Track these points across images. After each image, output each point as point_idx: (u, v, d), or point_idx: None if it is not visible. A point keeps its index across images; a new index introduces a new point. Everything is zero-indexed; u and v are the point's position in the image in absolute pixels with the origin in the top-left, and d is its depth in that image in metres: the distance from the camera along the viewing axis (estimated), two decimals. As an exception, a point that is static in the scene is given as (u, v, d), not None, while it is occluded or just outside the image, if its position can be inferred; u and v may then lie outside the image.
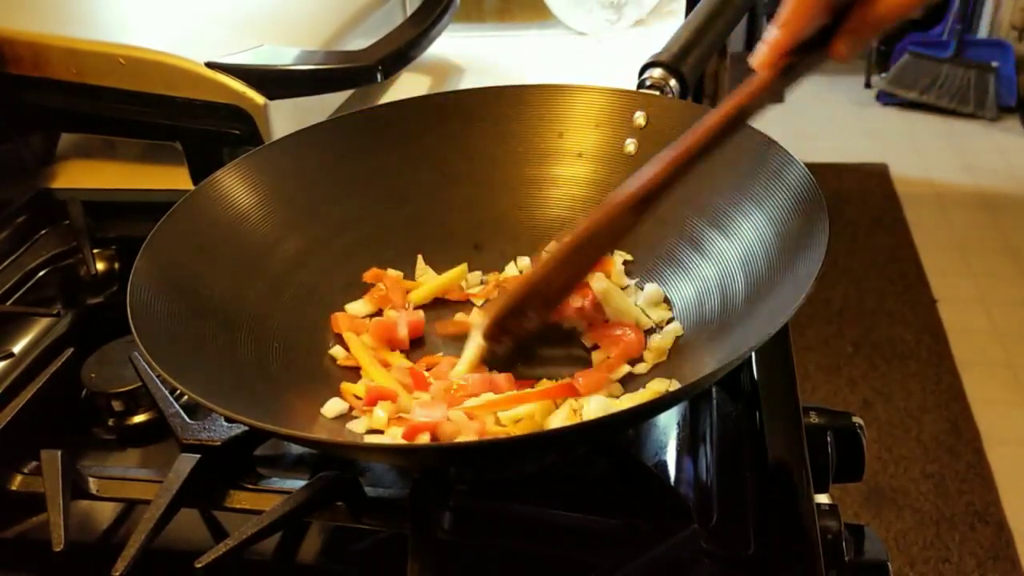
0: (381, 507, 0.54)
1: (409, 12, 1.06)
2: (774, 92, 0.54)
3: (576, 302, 0.64)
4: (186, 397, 0.59)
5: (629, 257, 0.68)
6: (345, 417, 0.59)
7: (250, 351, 0.59)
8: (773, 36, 0.52)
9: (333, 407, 0.59)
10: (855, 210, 2.74)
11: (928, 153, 3.05)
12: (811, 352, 2.20)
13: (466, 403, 0.57)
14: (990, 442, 1.93)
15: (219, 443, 0.56)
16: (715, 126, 0.55)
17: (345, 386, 0.60)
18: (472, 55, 1.13)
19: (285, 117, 0.82)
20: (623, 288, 0.66)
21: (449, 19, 1.00)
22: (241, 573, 0.51)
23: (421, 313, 0.66)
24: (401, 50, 0.90)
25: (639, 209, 0.56)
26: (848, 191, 2.84)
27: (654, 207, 0.57)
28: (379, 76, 0.85)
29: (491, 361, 0.61)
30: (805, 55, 0.52)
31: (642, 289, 0.65)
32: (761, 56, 0.53)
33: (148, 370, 0.61)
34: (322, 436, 0.55)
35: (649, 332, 0.63)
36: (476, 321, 0.63)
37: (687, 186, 0.65)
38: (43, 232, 0.82)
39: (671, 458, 0.57)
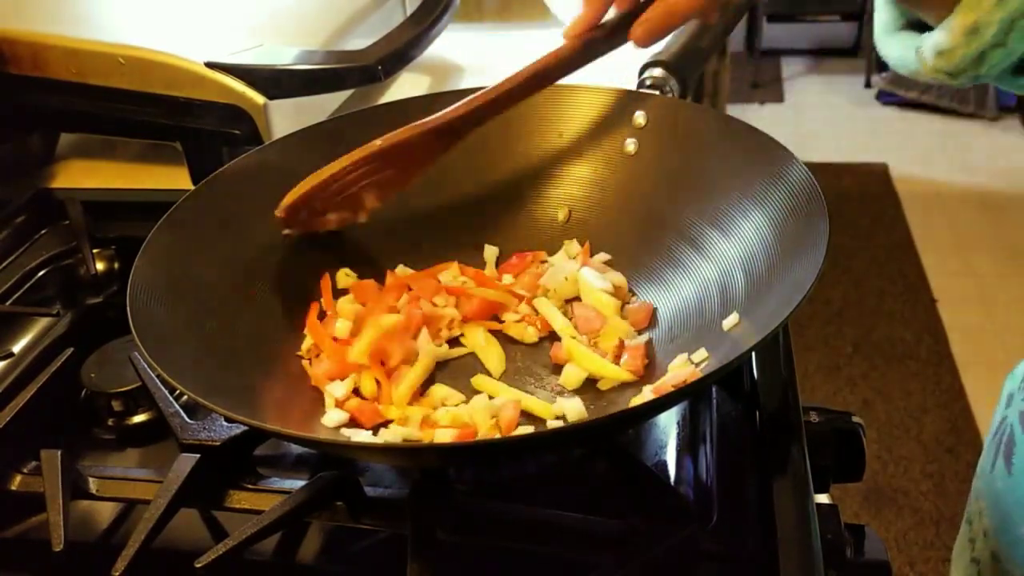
0: (381, 507, 0.54)
1: (409, 12, 1.06)
2: (576, 60, 0.62)
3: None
4: (186, 397, 0.59)
5: (608, 257, 0.68)
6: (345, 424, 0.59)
7: (250, 351, 0.59)
8: (579, 12, 0.60)
9: (332, 418, 0.58)
10: (855, 210, 2.74)
11: (928, 153, 3.05)
12: (811, 352, 2.20)
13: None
14: (990, 442, 1.93)
15: (219, 443, 0.56)
16: (521, 80, 0.62)
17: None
18: (472, 55, 1.13)
19: (285, 117, 0.82)
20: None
21: (449, 19, 1.00)
22: (241, 573, 0.51)
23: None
24: (401, 50, 0.90)
25: (444, 137, 0.64)
26: (848, 191, 2.84)
27: (457, 139, 0.64)
28: (379, 76, 0.85)
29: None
30: (607, 33, 0.60)
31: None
32: (568, 28, 0.61)
33: (148, 370, 0.61)
34: (322, 436, 0.55)
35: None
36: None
37: (687, 186, 0.65)
38: (43, 232, 0.82)
39: (671, 458, 0.57)
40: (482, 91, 0.63)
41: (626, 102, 0.70)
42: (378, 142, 0.63)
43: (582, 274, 0.65)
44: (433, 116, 0.63)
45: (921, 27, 0.55)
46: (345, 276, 0.68)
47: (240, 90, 0.81)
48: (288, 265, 0.66)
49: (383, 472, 0.57)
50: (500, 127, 0.72)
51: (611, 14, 0.60)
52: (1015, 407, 0.68)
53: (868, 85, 3.44)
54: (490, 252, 0.70)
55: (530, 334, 0.64)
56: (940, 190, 2.85)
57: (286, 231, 0.65)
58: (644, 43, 0.59)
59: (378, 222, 0.70)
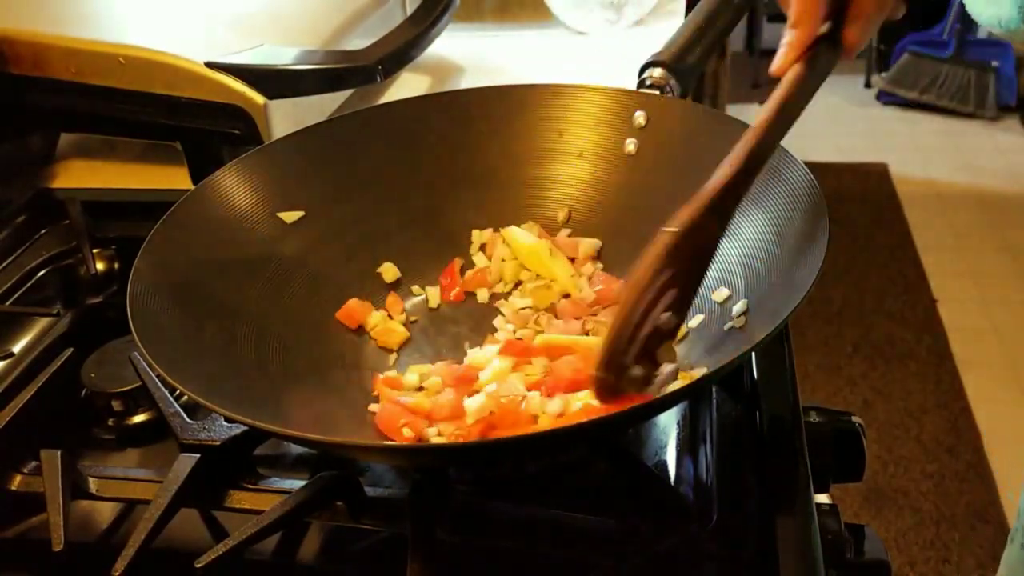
0: (381, 507, 0.54)
1: (409, 12, 1.05)
2: (809, 87, 0.56)
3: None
4: (186, 397, 0.59)
5: (598, 242, 0.68)
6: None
7: (250, 351, 0.59)
8: (790, 38, 0.54)
9: None
10: (855, 210, 2.74)
11: (928, 153, 3.05)
12: (811, 352, 2.20)
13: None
14: (990, 442, 1.93)
15: (219, 443, 0.56)
16: (766, 125, 0.55)
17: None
18: (472, 55, 1.13)
19: (285, 117, 0.82)
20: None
21: (449, 19, 0.99)
22: (241, 573, 0.51)
23: None
24: (401, 50, 0.90)
25: (722, 213, 0.54)
26: (848, 191, 2.84)
27: (732, 213, 0.54)
28: (379, 76, 0.85)
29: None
30: (822, 48, 0.55)
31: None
32: (782, 59, 0.55)
33: (148, 370, 0.61)
34: (322, 436, 0.55)
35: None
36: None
37: (687, 186, 0.65)
38: (43, 232, 0.82)
39: (671, 458, 0.57)
40: (737, 150, 0.54)
41: (626, 102, 0.70)
42: (666, 229, 0.52)
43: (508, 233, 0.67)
44: (704, 193, 0.53)
45: None
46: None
47: (240, 90, 0.81)
48: (288, 265, 0.66)
49: (383, 472, 0.57)
50: (500, 128, 0.72)
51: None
52: None
53: (868, 85, 3.44)
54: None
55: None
56: (940, 190, 2.84)
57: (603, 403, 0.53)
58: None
59: (377, 223, 0.70)
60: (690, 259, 0.53)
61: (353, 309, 0.66)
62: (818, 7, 0.54)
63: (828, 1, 0.54)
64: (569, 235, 0.70)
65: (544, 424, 0.54)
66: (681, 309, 0.53)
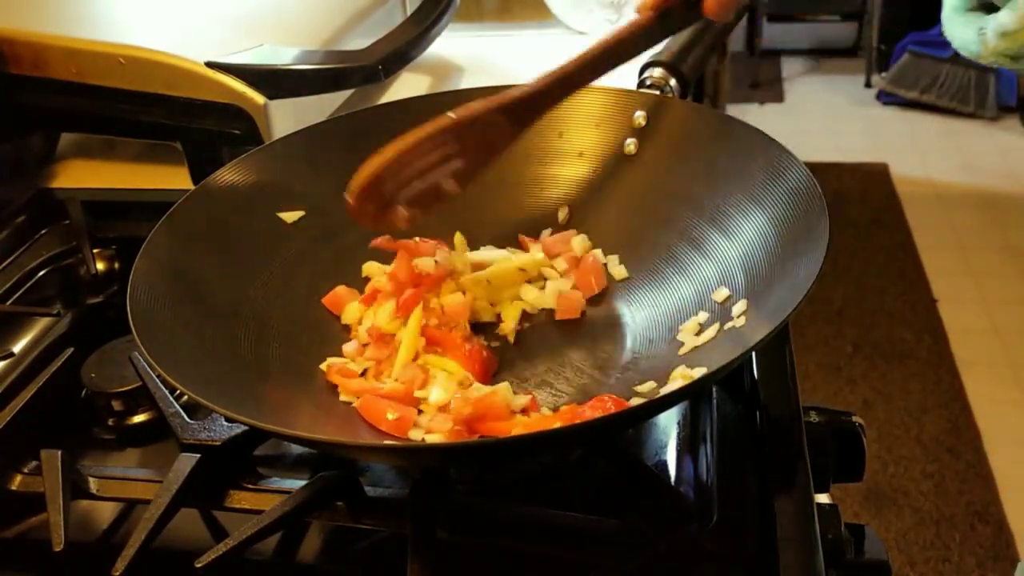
0: (381, 507, 0.54)
1: (409, 12, 1.06)
2: (651, 35, 0.61)
3: None
4: (186, 397, 0.59)
5: (624, 272, 0.68)
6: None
7: (250, 351, 0.59)
8: None
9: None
10: (855, 210, 2.74)
11: (928, 153, 3.05)
12: (811, 352, 2.20)
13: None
14: (990, 442, 1.93)
15: (219, 443, 0.56)
16: (595, 54, 0.60)
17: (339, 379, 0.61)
18: (472, 55, 1.13)
19: (285, 117, 0.82)
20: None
21: (449, 19, 1.00)
22: (241, 573, 0.51)
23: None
24: (401, 50, 0.90)
25: (515, 116, 0.61)
26: (848, 191, 2.84)
27: (528, 121, 0.61)
28: (379, 76, 0.85)
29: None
30: (681, 7, 0.60)
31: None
32: (643, 1, 0.60)
33: (148, 370, 0.61)
34: (322, 436, 0.55)
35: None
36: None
37: (687, 186, 0.66)
38: (43, 232, 0.82)
39: (671, 458, 0.57)
40: (555, 68, 0.61)
41: (626, 102, 0.70)
42: (451, 114, 0.59)
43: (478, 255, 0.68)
44: (503, 93, 0.60)
45: (991, 10, 0.55)
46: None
47: (240, 90, 0.81)
48: (288, 265, 0.66)
49: (383, 472, 0.57)
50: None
51: None
52: None
53: (868, 85, 3.44)
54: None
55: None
56: (940, 190, 2.84)
57: (359, 223, 0.61)
58: (719, 18, 0.58)
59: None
60: (475, 143, 0.61)
61: (340, 296, 0.66)
62: None
63: None
64: (551, 234, 0.70)
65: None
66: (463, 180, 0.62)
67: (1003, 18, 0.50)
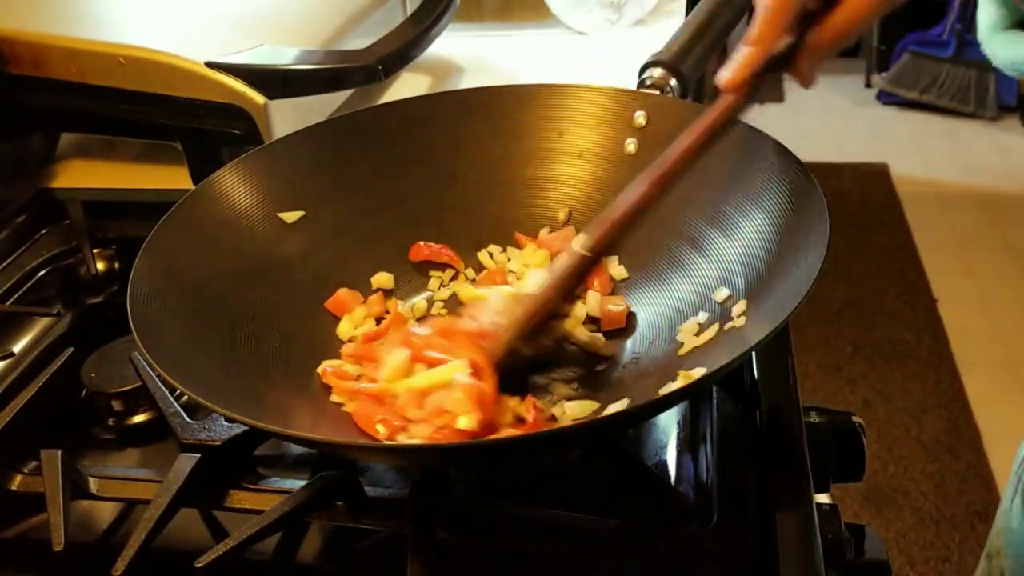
0: (381, 507, 0.54)
1: (409, 12, 1.06)
2: (741, 111, 0.57)
3: None
4: (186, 397, 0.59)
5: (623, 272, 0.68)
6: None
7: (250, 351, 0.59)
8: (745, 53, 0.54)
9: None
10: (855, 210, 2.74)
11: (928, 153, 3.05)
12: (811, 352, 2.20)
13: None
14: (990, 442, 1.93)
15: (219, 443, 0.56)
16: (691, 148, 0.57)
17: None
18: (472, 55, 1.13)
19: (285, 117, 0.82)
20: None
21: (449, 19, 0.99)
22: (241, 573, 0.51)
23: None
24: (401, 50, 0.90)
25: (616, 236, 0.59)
26: (848, 191, 2.84)
27: (630, 231, 0.59)
28: (379, 76, 0.85)
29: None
30: (769, 74, 0.55)
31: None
32: (733, 73, 0.55)
33: (148, 370, 0.61)
34: (322, 436, 0.55)
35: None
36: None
37: (687, 186, 0.65)
38: (43, 232, 0.82)
39: (671, 458, 0.57)
40: (647, 171, 0.58)
41: (626, 102, 0.70)
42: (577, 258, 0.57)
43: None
44: (619, 203, 0.57)
45: None
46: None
47: (240, 90, 0.81)
48: (288, 265, 0.66)
49: (383, 472, 0.57)
50: (500, 128, 0.72)
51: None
52: None
53: (868, 85, 3.44)
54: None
55: None
56: (940, 190, 2.84)
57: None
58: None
59: (377, 223, 0.70)
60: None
61: (342, 299, 0.66)
62: (781, 29, 0.53)
63: (791, 27, 0.53)
64: (549, 232, 0.70)
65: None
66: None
67: None
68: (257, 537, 0.49)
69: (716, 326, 0.58)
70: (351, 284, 0.67)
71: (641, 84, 0.76)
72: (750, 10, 0.55)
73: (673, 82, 0.76)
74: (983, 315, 2.31)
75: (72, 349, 0.65)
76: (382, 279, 0.68)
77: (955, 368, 2.13)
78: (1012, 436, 1.94)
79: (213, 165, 0.68)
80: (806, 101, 3.40)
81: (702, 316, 0.60)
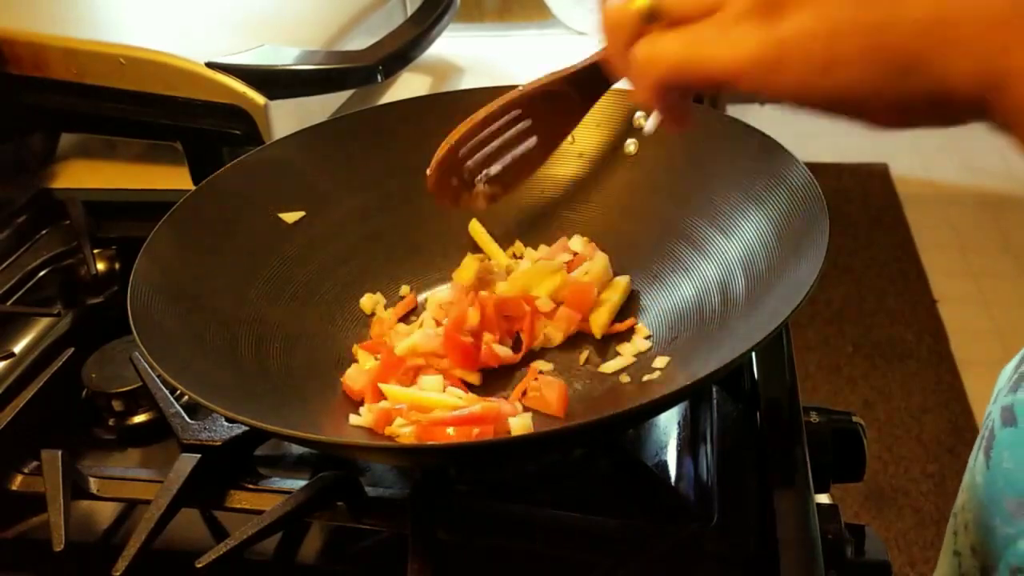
0: (381, 507, 0.54)
1: (409, 12, 1.06)
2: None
3: None
4: (186, 397, 0.59)
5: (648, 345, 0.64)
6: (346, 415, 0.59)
7: (250, 351, 0.59)
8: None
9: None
10: (855, 210, 2.74)
11: (928, 153, 3.05)
12: (811, 352, 2.20)
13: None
14: (990, 442, 1.92)
15: (219, 443, 0.56)
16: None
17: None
18: (472, 55, 1.13)
19: (285, 117, 0.82)
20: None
21: (449, 19, 1.00)
22: (241, 573, 0.51)
23: None
24: (401, 50, 0.90)
25: (583, 88, 0.58)
26: (848, 191, 2.84)
27: (598, 91, 0.59)
28: (379, 76, 0.85)
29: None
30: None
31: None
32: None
33: (148, 370, 0.61)
34: (322, 436, 0.55)
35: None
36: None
37: (688, 187, 0.66)
38: (43, 232, 0.82)
39: (671, 458, 0.57)
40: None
41: (626, 102, 0.70)
42: (519, 87, 0.58)
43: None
44: (569, 66, 0.58)
45: None
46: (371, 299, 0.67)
47: (240, 90, 0.81)
48: (288, 265, 0.66)
49: (383, 472, 0.57)
50: (500, 127, 0.72)
51: None
52: (998, 402, 0.68)
53: (868, 85, 3.44)
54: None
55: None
56: (940, 190, 2.84)
57: (439, 202, 0.61)
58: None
59: (378, 223, 0.70)
60: (546, 117, 0.60)
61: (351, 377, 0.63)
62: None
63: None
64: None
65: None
66: (538, 157, 0.62)
67: None
68: (257, 537, 0.49)
69: (716, 326, 0.58)
70: (351, 284, 0.67)
71: (641, 84, 0.76)
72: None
73: (673, 82, 0.75)
74: (983, 315, 2.31)
75: (72, 349, 0.65)
76: (367, 303, 0.67)
77: (955, 368, 2.13)
78: (1012, 436, 1.94)
79: (213, 165, 0.69)
80: (806, 101, 3.40)
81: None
